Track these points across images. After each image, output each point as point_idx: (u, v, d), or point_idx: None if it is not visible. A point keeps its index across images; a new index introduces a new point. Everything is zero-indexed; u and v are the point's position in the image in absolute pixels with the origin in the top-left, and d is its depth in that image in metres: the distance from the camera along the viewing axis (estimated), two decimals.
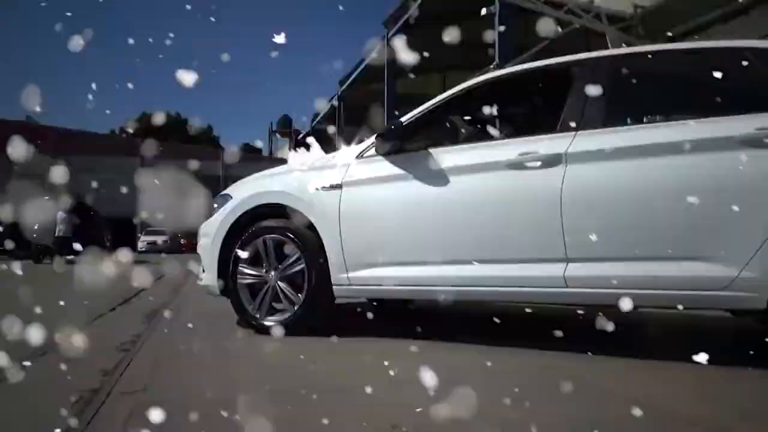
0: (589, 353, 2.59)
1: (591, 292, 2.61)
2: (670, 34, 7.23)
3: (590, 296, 2.65)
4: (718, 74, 2.69)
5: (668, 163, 2.50)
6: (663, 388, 2.15)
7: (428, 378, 2.25)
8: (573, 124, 2.75)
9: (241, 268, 3.33)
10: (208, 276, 3.48)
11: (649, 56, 2.99)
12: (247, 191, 3.48)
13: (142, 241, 27.87)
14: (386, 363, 2.57)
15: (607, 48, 7.64)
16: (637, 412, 1.79)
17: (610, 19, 7.87)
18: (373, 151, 3.17)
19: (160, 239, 28.16)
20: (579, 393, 2.06)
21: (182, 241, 29.32)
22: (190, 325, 3.47)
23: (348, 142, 3.43)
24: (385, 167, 3.09)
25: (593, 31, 8.54)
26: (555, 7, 7.75)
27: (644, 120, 2.93)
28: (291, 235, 3.22)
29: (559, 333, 2.47)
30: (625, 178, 2.57)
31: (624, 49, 3.09)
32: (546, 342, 2.87)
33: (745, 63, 2.61)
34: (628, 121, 2.87)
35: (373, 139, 3.17)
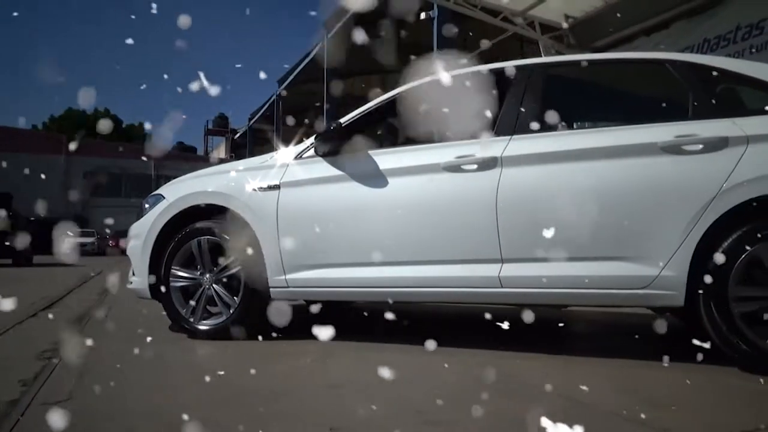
0: (521, 351, 2.67)
1: (524, 291, 2.69)
2: (597, 44, 7.57)
3: (524, 296, 2.73)
4: (641, 83, 2.84)
5: (596, 168, 2.61)
6: (589, 382, 2.24)
7: (368, 379, 2.25)
8: (508, 129, 2.83)
9: (173, 270, 3.23)
10: (139, 279, 3.35)
11: (580, 65, 3.13)
12: (181, 191, 3.38)
13: (68, 243, 26.44)
14: (326, 365, 2.55)
15: (540, 55, 7.92)
16: (563, 405, 1.86)
17: (543, 28, 8.15)
18: (312, 151, 3.14)
19: (87, 241, 26.84)
20: (510, 390, 2.12)
21: (111, 242, 28.12)
22: (119, 331, 3.32)
23: (286, 143, 3.39)
24: (324, 168, 3.07)
25: (527, 39, 8.82)
26: (491, 13, 7.94)
27: (574, 126, 3.05)
28: (227, 237, 3.15)
29: (493, 332, 2.53)
30: (556, 182, 2.67)
31: (557, 57, 3.21)
32: (480, 341, 2.93)
33: (665, 74, 2.76)
34: (560, 126, 2.98)
35: (312, 139, 3.15)
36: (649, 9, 6.57)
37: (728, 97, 2.75)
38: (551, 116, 2.98)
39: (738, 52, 5.93)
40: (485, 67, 3.22)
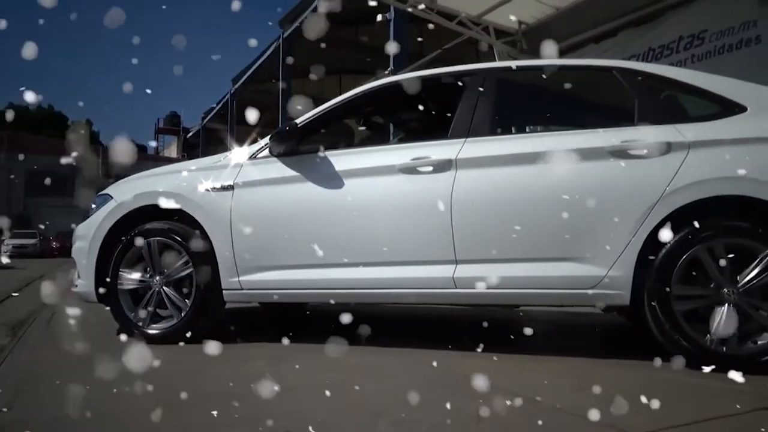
0: (477, 351, 2.70)
1: (478, 292, 2.72)
2: (549, 50, 7.76)
3: (477, 296, 2.77)
4: (590, 89, 2.93)
5: (546, 171, 2.68)
6: (543, 381, 2.30)
7: (325, 381, 2.24)
8: (463, 131, 2.87)
9: (122, 272, 3.13)
10: (84, 282, 3.23)
11: (533, 70, 3.20)
12: (130, 191, 3.27)
13: (7, 245, 25.19)
14: (282, 367, 2.52)
15: (494, 60, 8.07)
16: (519, 403, 1.90)
17: (497, 33, 8.30)
18: (267, 152, 3.10)
19: (29, 242, 25.66)
20: (466, 389, 2.14)
21: (55, 244, 27.01)
22: (63, 337, 3.19)
23: (240, 142, 3.34)
24: (279, 169, 3.04)
25: (483, 43, 8.97)
26: (447, 17, 8.03)
27: (527, 129, 3.12)
28: (178, 238, 3.07)
29: (448, 332, 2.56)
30: (508, 184, 2.72)
31: (511, 62, 3.27)
32: (437, 341, 2.96)
33: (612, 80, 2.86)
34: (513, 129, 3.05)
35: (267, 139, 3.11)
36: (598, 17, 6.79)
37: (671, 104, 2.87)
38: (504, 120, 3.04)
39: (680, 61, 6.19)
40: (440, 71, 3.26)
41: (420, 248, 2.79)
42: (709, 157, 2.50)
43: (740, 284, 2.39)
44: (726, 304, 2.39)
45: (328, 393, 2.04)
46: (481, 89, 2.94)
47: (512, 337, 3.34)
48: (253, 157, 3.13)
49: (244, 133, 3.84)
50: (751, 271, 2.38)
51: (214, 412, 1.84)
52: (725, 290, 2.40)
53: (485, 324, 2.54)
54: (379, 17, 12.27)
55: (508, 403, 1.94)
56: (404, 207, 2.83)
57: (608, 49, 6.93)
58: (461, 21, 8.06)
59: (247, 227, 2.98)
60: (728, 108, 2.62)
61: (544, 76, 3.18)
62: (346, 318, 2.51)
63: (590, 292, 2.58)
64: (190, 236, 3.06)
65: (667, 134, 2.57)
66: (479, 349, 2.73)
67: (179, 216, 3.11)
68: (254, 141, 3.27)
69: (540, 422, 1.76)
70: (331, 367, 2.49)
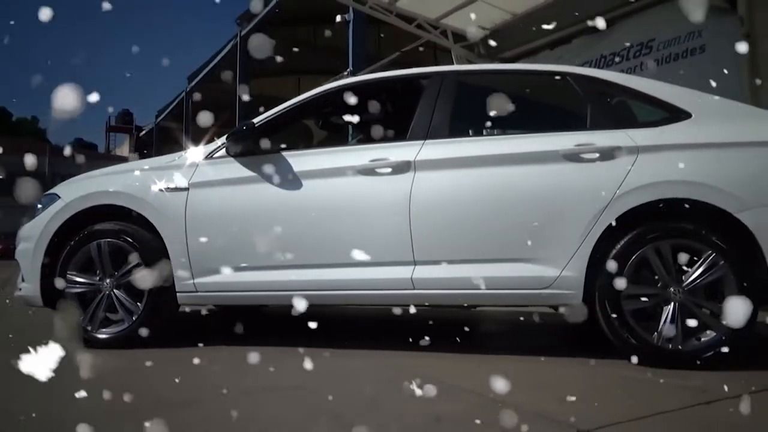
0: (434, 351, 2.73)
1: (436, 293, 2.75)
2: (506, 55, 7.90)
3: (436, 297, 2.80)
4: (545, 94, 3.00)
5: (503, 173, 2.73)
6: (500, 379, 2.33)
7: (282, 384, 2.21)
8: (421, 133, 2.89)
9: (69, 275, 3.02)
10: (29, 285, 3.10)
11: (490, 74, 3.26)
12: (79, 191, 3.16)
13: None
14: (238, 371, 2.48)
15: (452, 63, 8.16)
16: (476, 402, 1.92)
17: (455, 36, 8.39)
18: (223, 152, 3.05)
19: None
20: (426, 389, 2.16)
21: None
22: (5, 342, 3.05)
23: (196, 142, 3.27)
24: (235, 169, 2.99)
25: (441, 47, 9.06)
26: (406, 20, 8.08)
27: (484, 132, 3.17)
28: (130, 239, 2.98)
29: (407, 333, 2.57)
30: (466, 186, 2.76)
31: (469, 66, 3.32)
32: (395, 342, 2.97)
33: (566, 86, 2.94)
34: (471, 132, 3.09)
35: (223, 139, 3.06)
36: (554, 24, 6.96)
37: (621, 109, 2.96)
38: (463, 122, 3.08)
39: (630, 68, 6.41)
40: (399, 72, 3.28)
41: (378, 249, 2.80)
42: (656, 161, 2.60)
43: (685, 284, 2.49)
44: (672, 303, 2.49)
45: (286, 396, 2.02)
46: (439, 92, 2.97)
47: (470, 337, 3.38)
48: (209, 156, 3.07)
49: (199, 133, 3.77)
50: (695, 271, 2.48)
51: (168, 418, 1.79)
52: (671, 289, 2.50)
53: (445, 324, 2.57)
54: (339, 18, 12.26)
55: (467, 402, 1.97)
56: (363, 208, 2.84)
57: (562, 55, 7.11)
58: (420, 24, 8.12)
59: (202, 228, 2.93)
60: (675, 114, 2.73)
61: (501, 80, 3.23)
62: (303, 320, 2.49)
63: (545, 292, 2.64)
64: (143, 238, 2.98)
65: (617, 139, 2.66)
66: (438, 350, 2.76)
67: (131, 217, 3.02)
68: (210, 140, 3.21)
69: (497, 420, 1.79)
70: (291, 370, 2.47)
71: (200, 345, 2.94)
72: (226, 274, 2.90)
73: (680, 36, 5.95)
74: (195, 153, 3.11)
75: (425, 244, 2.72)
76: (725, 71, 5.32)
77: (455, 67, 3.38)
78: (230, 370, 2.50)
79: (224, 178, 2.99)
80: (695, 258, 2.50)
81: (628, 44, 6.53)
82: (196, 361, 2.70)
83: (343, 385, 2.29)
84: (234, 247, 2.91)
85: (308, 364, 2.55)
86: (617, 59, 6.65)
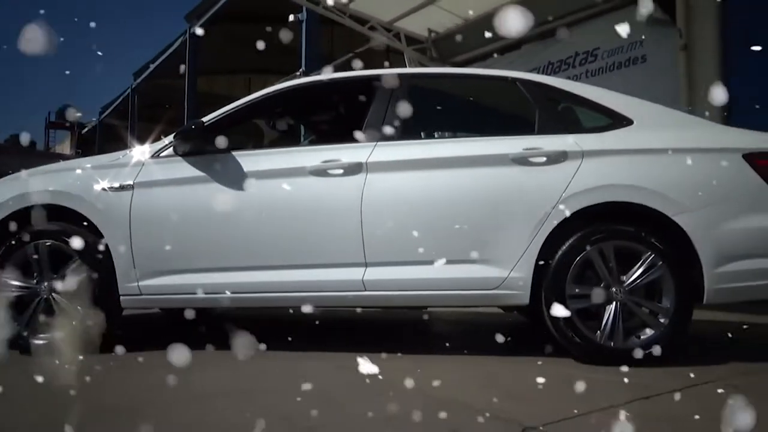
0: (386, 352, 2.74)
1: (387, 294, 2.76)
2: (457, 59, 8.03)
3: (387, 298, 2.81)
4: (496, 98, 3.06)
5: (453, 176, 2.77)
6: (450, 379, 2.36)
7: (232, 388, 2.17)
8: (374, 135, 2.89)
9: (4, 279, 2.86)
10: None
11: (442, 77, 3.30)
12: (15, 190, 3.00)
13: None
14: (189, 376, 2.41)
15: (405, 66, 8.22)
16: (426, 402, 1.94)
17: (408, 39, 8.46)
18: (170, 150, 2.97)
19: None
20: (376, 390, 2.16)
21: None
22: None
23: (142, 140, 3.17)
24: (183, 168, 2.92)
25: (393, 49, 9.11)
26: (359, 22, 8.08)
27: (436, 135, 3.21)
28: (70, 241, 2.86)
29: (358, 334, 2.57)
30: (417, 188, 2.78)
31: (421, 69, 3.35)
32: (347, 344, 2.96)
33: (515, 90, 3.00)
34: (423, 135, 3.12)
35: (171, 137, 2.98)
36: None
37: (568, 115, 3.05)
38: (415, 125, 3.11)
39: (576, 75, 6.62)
40: (353, 74, 3.28)
41: (330, 251, 2.78)
42: (600, 165, 2.70)
43: (626, 284, 2.59)
44: (614, 303, 2.58)
45: (236, 400, 1.98)
46: (392, 93, 2.98)
47: (420, 337, 3.41)
48: (155, 155, 2.98)
49: (145, 131, 3.66)
50: (636, 271, 2.59)
51: (119, 425, 1.73)
52: (613, 289, 2.59)
53: (395, 326, 2.58)
54: (291, 17, 12.15)
55: (416, 401, 1.98)
56: (314, 209, 2.82)
57: (513, 60, 7.28)
58: (373, 26, 8.15)
59: (147, 229, 2.84)
60: (617, 121, 2.83)
61: (452, 84, 3.28)
62: (252, 322, 2.46)
63: (494, 292, 2.69)
64: (84, 239, 2.86)
65: (564, 143, 2.74)
66: (389, 350, 2.77)
67: (73, 217, 2.90)
68: (157, 139, 3.12)
69: (445, 419, 1.81)
70: (237, 373, 2.42)
71: (145, 349, 2.85)
72: (172, 276, 2.83)
73: (623, 45, 6.19)
74: (140, 151, 3.02)
75: (377, 245, 2.73)
76: (665, 80, 5.57)
77: (408, 69, 3.41)
78: (180, 375, 2.43)
79: (171, 178, 2.91)
80: (636, 259, 2.60)
81: (574, 52, 6.74)
82: (140, 365, 2.62)
83: (292, 386, 2.27)
84: (180, 248, 2.84)
85: (258, 367, 2.51)
86: (564, 66, 6.85)
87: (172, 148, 2.96)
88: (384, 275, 2.73)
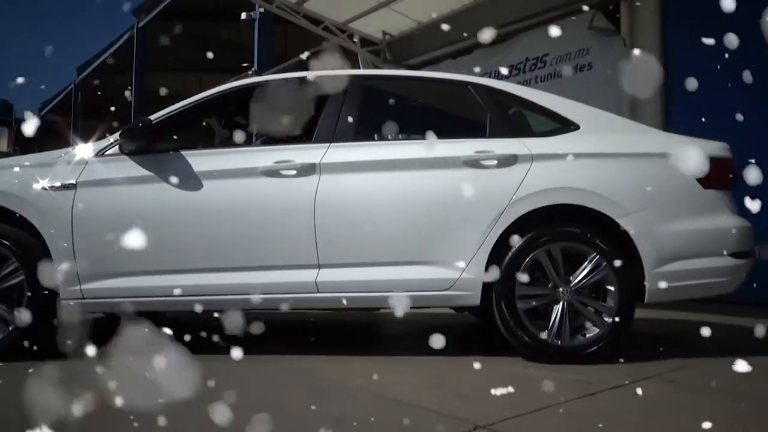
0: (336, 354, 2.73)
1: (340, 296, 2.75)
2: (411, 62, 8.08)
3: (340, 300, 2.79)
4: (449, 101, 3.10)
5: (407, 178, 2.79)
6: (401, 380, 2.37)
7: (179, 393, 2.11)
8: (327, 136, 2.88)
9: None
10: None
11: (396, 80, 3.32)
12: None
13: None
14: (124, 384, 2.33)
15: (359, 67, 8.21)
16: (376, 403, 1.94)
17: (362, 41, 8.46)
18: (116, 149, 2.87)
19: None
20: (326, 392, 2.15)
21: None
22: None
23: (85, 138, 3.05)
24: (130, 168, 2.83)
25: (348, 50, 9.10)
26: (313, 22, 8.03)
27: (389, 137, 3.22)
28: (6, 242, 2.73)
29: (309, 337, 2.55)
30: (371, 190, 2.79)
31: (375, 71, 3.36)
32: (297, 346, 2.94)
33: (468, 94, 3.05)
34: (376, 136, 3.13)
35: (117, 136, 2.88)
36: (456, 35, 7.21)
37: (518, 119, 3.13)
38: (368, 126, 3.11)
39: (527, 80, 6.78)
40: (306, 74, 3.25)
41: (283, 252, 2.76)
42: (549, 169, 2.77)
43: (572, 284, 2.67)
44: (561, 302, 2.66)
45: (180, 406, 1.93)
46: (346, 94, 2.98)
47: (373, 339, 3.41)
48: (100, 153, 2.88)
49: (90, 128, 3.53)
50: (582, 271, 2.67)
51: None
52: (561, 289, 2.67)
53: (349, 327, 2.58)
54: (244, 15, 11.97)
55: (369, 403, 1.98)
56: (267, 210, 2.78)
57: (465, 65, 7.38)
58: (327, 27, 8.11)
59: (91, 230, 2.74)
60: (565, 125, 2.92)
61: (406, 86, 3.30)
62: (200, 326, 2.40)
63: (446, 293, 2.72)
64: (21, 240, 2.73)
65: (514, 147, 2.80)
66: (342, 352, 2.76)
67: (9, 216, 2.76)
68: (102, 137, 3.01)
69: (398, 420, 1.81)
70: (186, 378, 2.36)
71: (83, 357, 2.74)
72: (117, 279, 2.74)
73: (571, 53, 6.37)
74: (84, 149, 2.91)
75: (330, 247, 2.72)
76: (610, 87, 5.76)
77: (362, 70, 3.41)
78: (128, 381, 2.35)
79: (117, 177, 2.82)
80: (582, 260, 2.68)
81: (524, 57, 6.90)
82: (78, 374, 2.51)
83: (239, 390, 2.23)
84: (126, 250, 2.74)
85: (202, 370, 2.46)
86: (515, 71, 7.00)
87: (117, 146, 2.87)
88: (337, 277, 2.72)
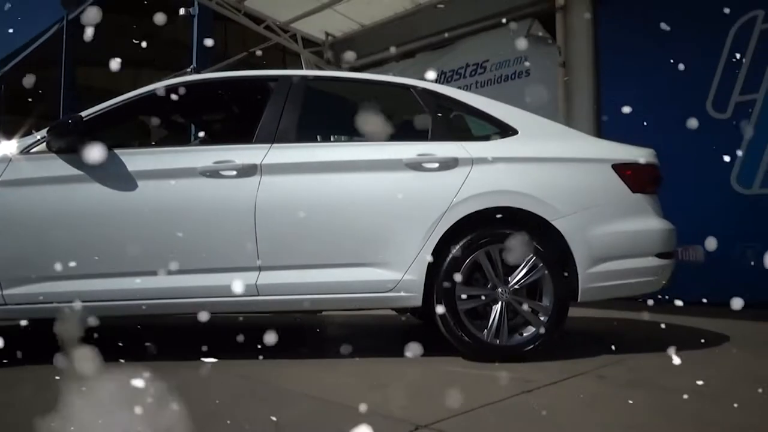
0: (281, 359, 2.70)
1: (281, 299, 2.72)
2: (354, 64, 8.09)
3: (281, 303, 2.76)
4: (392, 104, 3.11)
5: (349, 180, 2.79)
6: (340, 382, 2.37)
7: (112, 402, 2.03)
8: (269, 137, 2.84)
9: None
10: None
11: (339, 81, 3.31)
12: None
13: None
14: (53, 393, 2.22)
15: (301, 68, 8.15)
16: (315, 406, 1.93)
17: (305, 42, 8.39)
18: (43, 146, 2.73)
19: None
20: (265, 396, 2.12)
21: None
22: None
23: (8, 134, 2.88)
24: (58, 166, 2.69)
25: (290, 50, 9.00)
26: (255, 20, 7.90)
27: (331, 138, 3.21)
28: None
29: (249, 341, 2.51)
30: (312, 191, 2.76)
31: (318, 72, 3.34)
32: (237, 351, 2.88)
33: (410, 97, 3.08)
34: (318, 138, 3.11)
35: (44, 132, 2.74)
36: (398, 38, 7.27)
37: (459, 123, 3.19)
38: (310, 127, 3.09)
39: (467, 85, 6.91)
40: (248, 73, 3.20)
41: (222, 255, 2.70)
42: (488, 172, 2.83)
43: (510, 284, 2.74)
44: (500, 302, 2.72)
45: (114, 413, 1.85)
46: (287, 96, 2.94)
47: (314, 342, 3.39)
48: (25, 151, 2.73)
49: (13, 124, 3.34)
50: (519, 272, 2.75)
51: None
52: (499, 290, 2.73)
53: (290, 330, 2.55)
54: (182, 11, 11.63)
55: (309, 406, 1.97)
56: (205, 212, 2.71)
57: (407, 68, 7.45)
58: (269, 26, 8.00)
59: (13, 232, 2.59)
60: (504, 130, 3.00)
61: (349, 88, 3.30)
62: (139, 331, 2.32)
63: (388, 295, 2.74)
64: None
65: (455, 150, 2.85)
66: (284, 356, 2.72)
67: None
68: (27, 133, 2.85)
69: (338, 422, 1.81)
70: (122, 386, 2.27)
71: (5, 366, 2.59)
72: (43, 283, 2.59)
73: (509, 59, 6.56)
74: (7, 146, 2.74)
75: (271, 249, 2.68)
76: (546, 93, 5.97)
77: (305, 71, 3.38)
78: (42, 392, 2.23)
79: (43, 176, 2.68)
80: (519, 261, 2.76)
81: (465, 63, 7.04)
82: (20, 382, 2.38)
83: (187, 396, 2.16)
84: (53, 253, 2.61)
85: (144, 376, 2.37)
86: (456, 76, 7.13)
87: (45, 143, 2.72)
88: (278, 279, 2.68)
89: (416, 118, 3.16)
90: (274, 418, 1.88)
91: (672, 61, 5.05)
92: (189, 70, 10.96)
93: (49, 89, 15.86)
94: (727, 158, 4.88)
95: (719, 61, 5.01)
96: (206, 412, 1.91)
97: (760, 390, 2.20)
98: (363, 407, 1.97)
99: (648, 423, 1.89)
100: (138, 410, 1.87)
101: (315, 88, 3.17)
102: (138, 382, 2.27)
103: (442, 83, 7.07)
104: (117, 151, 2.74)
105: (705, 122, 5.03)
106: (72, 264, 2.61)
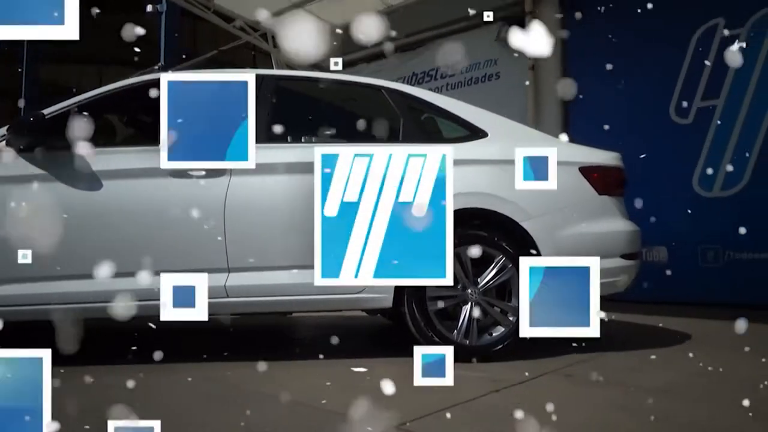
0: (251, 361, 2.67)
1: (251, 300, 2.69)
2: (324, 64, 8.05)
3: (250, 305, 2.73)
4: (364, 105, 3.11)
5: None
6: (310, 384, 2.36)
7: (84, 402, 1.99)
8: None
9: None
10: None
11: (311, 81, 3.29)
12: None
13: None
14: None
15: (272, 67, 8.08)
16: (285, 408, 1.92)
17: (275, 41, 8.33)
18: (2, 144, 2.64)
19: None
20: (239, 400, 2.10)
21: None
22: None
23: None
24: (18, 165, 2.61)
25: (260, 49, 8.92)
26: (225, 19, 7.80)
27: (303, 139, 3.19)
28: None
29: (218, 343, 2.48)
30: (282, 192, 2.74)
31: (289, 71, 3.32)
32: (208, 353, 2.84)
33: (381, 98, 3.09)
34: (289, 138, 3.09)
35: (4, 130, 2.65)
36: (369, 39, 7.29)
37: (430, 124, 3.20)
38: (282, 128, 3.06)
39: (438, 87, 6.96)
40: (218, 72, 3.15)
41: (190, 256, 2.65)
42: (458, 174, 2.85)
43: (480, 285, 2.77)
44: (470, 303, 2.75)
45: (83, 418, 1.81)
46: (259, 95, 2.91)
47: (285, 343, 3.36)
48: None
49: None
50: (489, 273, 2.78)
51: None
52: (469, 291, 2.76)
53: (262, 333, 2.52)
54: (150, 8, 11.43)
55: (282, 409, 1.95)
56: (174, 212, 2.66)
57: (379, 69, 7.47)
58: (240, 25, 7.91)
59: None
60: (474, 132, 3.03)
61: (321, 88, 3.29)
62: (100, 334, 2.27)
63: (358, 296, 2.73)
64: None
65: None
66: (255, 358, 2.70)
67: None
68: None
69: (310, 424, 1.80)
70: (85, 390, 2.22)
71: None
72: (9, 286, 2.52)
73: (480, 62, 6.63)
74: None
75: (240, 250, 2.65)
76: (515, 96, 6.05)
77: (275, 71, 3.36)
78: None
79: (3, 175, 2.59)
80: (489, 262, 2.79)
81: (435, 65, 7.09)
82: None
83: (157, 399, 2.13)
84: (14, 255, 2.52)
85: (104, 381, 2.33)
86: (426, 78, 7.18)
87: (4, 141, 2.64)
88: (247, 281, 2.66)
89: (387, 119, 3.16)
90: (242, 423, 1.86)
91: (637, 67, 5.18)
92: (156, 67, 10.77)
93: (10, 86, 15.39)
94: (689, 162, 5.04)
95: (682, 67, 5.16)
96: (173, 416, 1.88)
97: (718, 386, 2.28)
98: (333, 409, 1.97)
99: (613, 420, 1.93)
100: (96, 411, 1.83)
101: (286, 88, 3.15)
102: (104, 384, 2.23)
103: (414, 85, 7.12)
104: (83, 149, 2.67)
105: (668, 127, 5.18)
106: (34, 266, 2.53)
